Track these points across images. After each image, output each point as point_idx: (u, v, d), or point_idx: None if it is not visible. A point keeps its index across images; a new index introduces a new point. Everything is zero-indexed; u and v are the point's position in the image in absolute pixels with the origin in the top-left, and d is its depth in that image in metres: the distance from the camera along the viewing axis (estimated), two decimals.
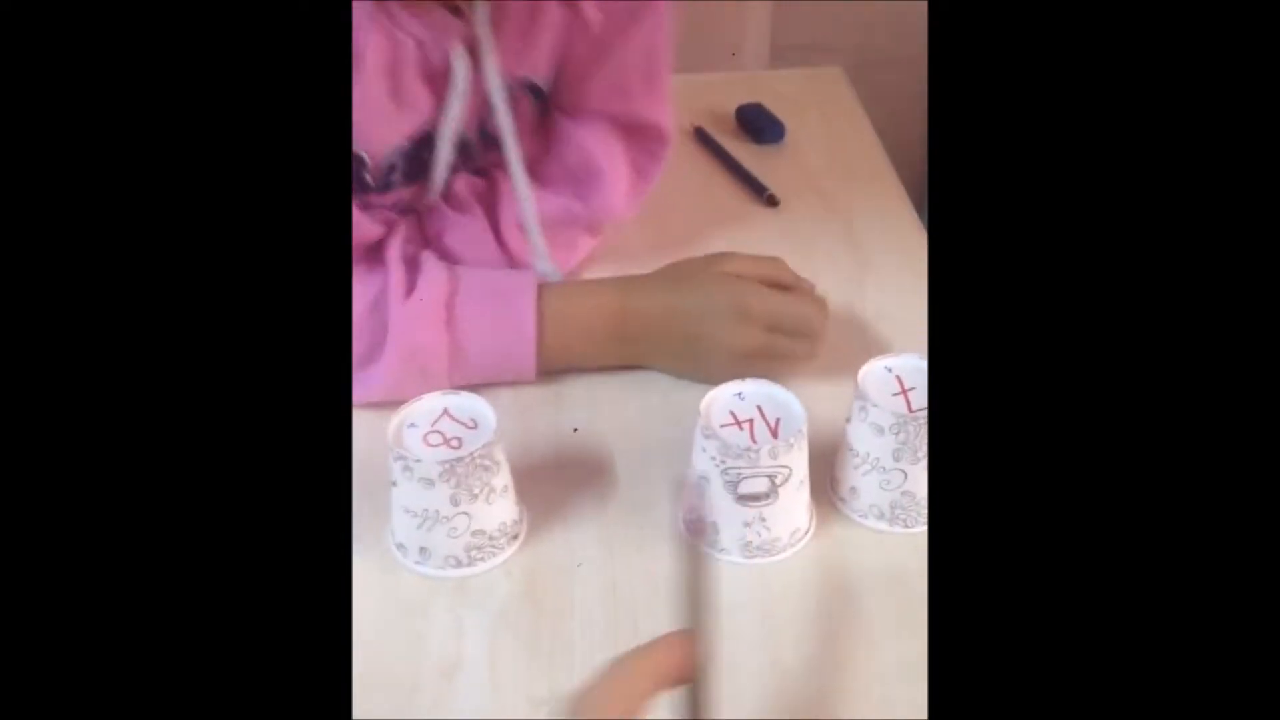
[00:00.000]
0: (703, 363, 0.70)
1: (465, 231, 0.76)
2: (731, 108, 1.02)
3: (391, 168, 0.73)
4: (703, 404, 0.59)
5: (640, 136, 0.81)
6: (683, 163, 0.96)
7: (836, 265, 0.82)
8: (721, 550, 0.59)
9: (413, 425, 0.58)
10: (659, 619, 0.56)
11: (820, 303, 0.72)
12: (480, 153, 0.78)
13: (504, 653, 0.55)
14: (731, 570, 0.59)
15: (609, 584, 0.58)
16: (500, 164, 0.77)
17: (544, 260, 0.75)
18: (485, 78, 0.71)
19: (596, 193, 0.78)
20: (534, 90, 0.77)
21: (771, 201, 0.89)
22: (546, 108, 0.80)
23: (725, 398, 0.60)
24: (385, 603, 0.57)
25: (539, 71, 0.76)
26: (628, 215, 0.81)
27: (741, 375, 0.60)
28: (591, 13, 0.72)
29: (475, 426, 0.59)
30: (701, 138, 0.98)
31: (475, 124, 0.76)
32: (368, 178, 0.72)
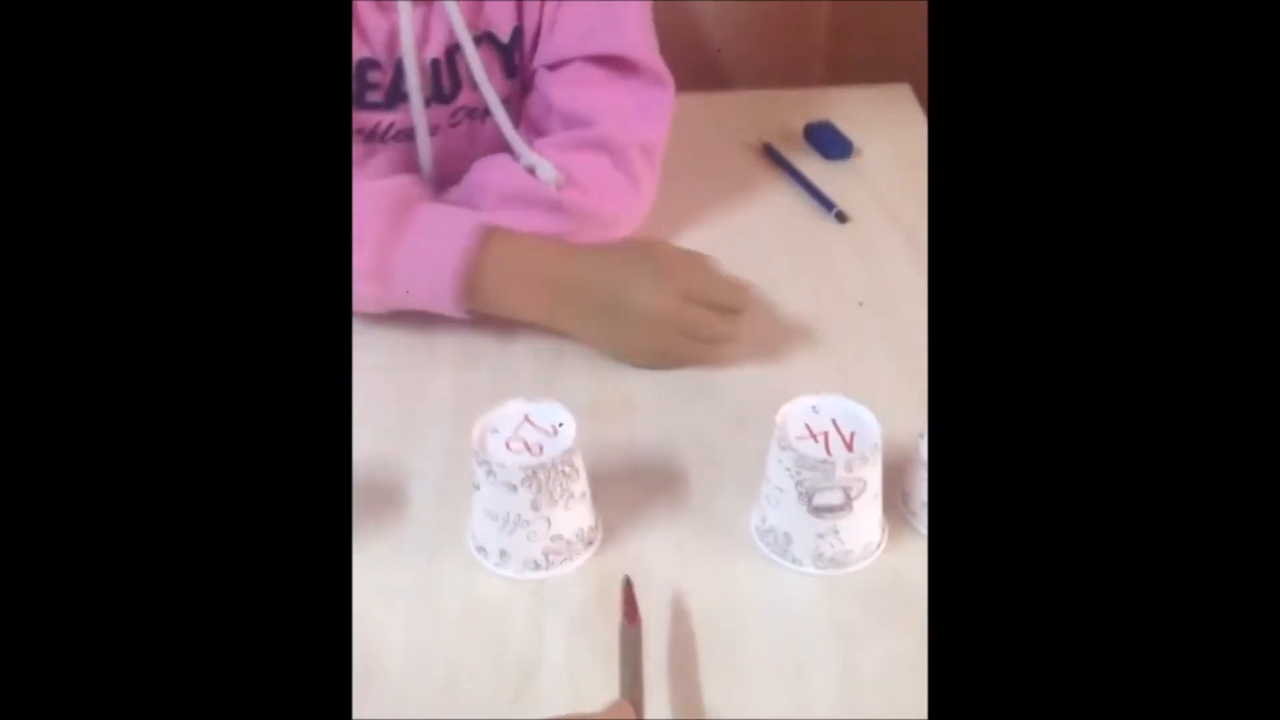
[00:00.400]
0: (620, 328, 0.72)
1: (496, 166, 0.80)
2: (799, 125, 1.03)
3: (369, 86, 0.79)
4: (778, 416, 0.60)
5: (626, 74, 0.83)
6: (752, 179, 0.97)
7: (905, 281, 0.83)
8: (794, 561, 0.60)
9: (495, 431, 0.60)
10: (729, 627, 0.57)
11: (743, 285, 0.73)
12: (452, 83, 0.82)
13: (582, 655, 0.56)
14: (804, 581, 0.60)
15: (681, 592, 0.60)
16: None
17: (530, 157, 0.79)
18: (442, 11, 0.77)
19: (599, 120, 0.81)
20: (495, 43, 0.82)
21: (841, 218, 0.90)
22: (511, 65, 0.83)
23: (801, 410, 0.61)
24: (467, 604, 0.59)
25: (496, 25, 0.81)
26: (648, 140, 0.82)
27: (658, 350, 0.62)
28: None
29: (555, 434, 0.60)
30: (770, 154, 0.99)
31: (444, 55, 0.80)
32: None
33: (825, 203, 0.92)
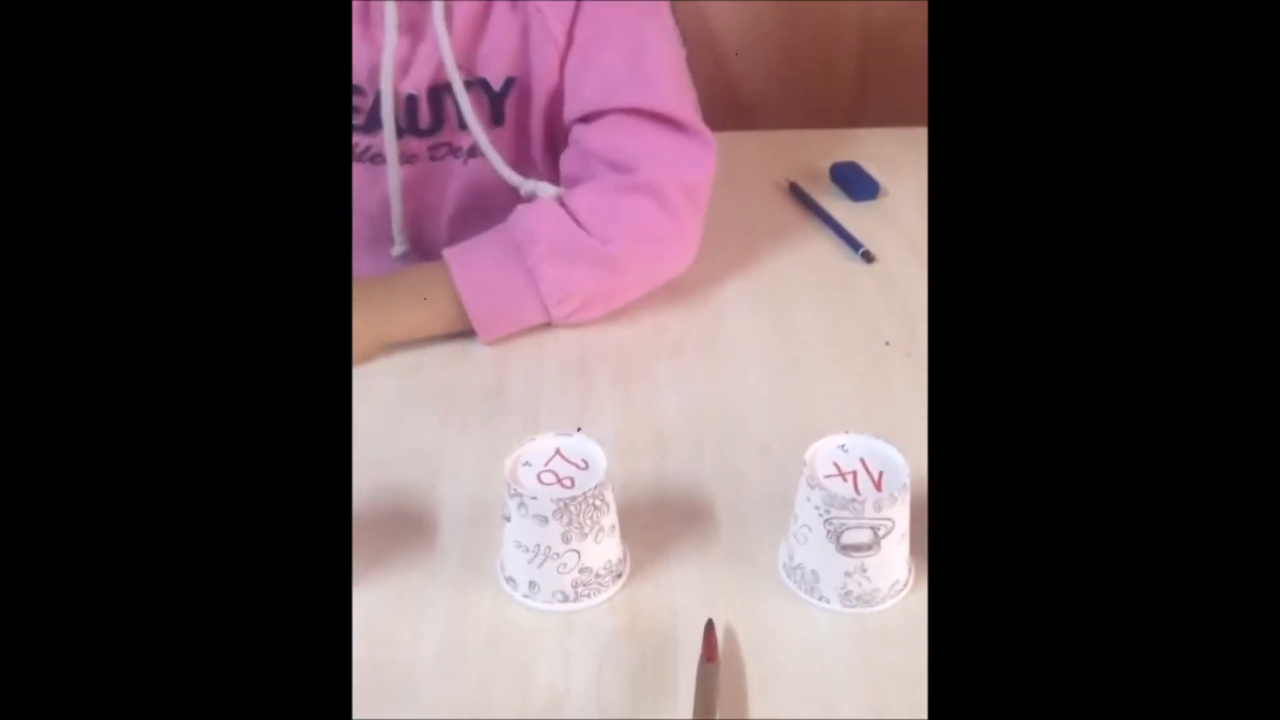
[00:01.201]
0: None
1: (546, 216, 0.80)
2: (826, 165, 1.04)
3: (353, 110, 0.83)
4: (807, 454, 0.60)
5: (665, 126, 0.83)
6: (778, 218, 0.98)
7: None
8: (821, 599, 0.61)
9: (527, 464, 0.61)
10: (755, 664, 0.58)
11: None
12: (433, 120, 0.85)
13: (609, 687, 0.56)
14: (831, 619, 0.60)
15: (730, 626, 0.60)
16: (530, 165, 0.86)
17: (529, 185, 0.83)
18: (435, 46, 0.80)
19: (641, 166, 0.81)
20: (486, 89, 0.84)
21: (868, 257, 0.91)
22: (499, 112, 0.86)
23: (829, 449, 0.61)
24: (495, 634, 0.60)
25: (489, 72, 0.84)
26: (691, 182, 0.82)
27: None
28: (554, 21, 0.81)
29: (586, 467, 0.61)
30: (797, 194, 1.01)
31: (425, 92, 0.84)
32: None
33: (852, 242, 0.93)
